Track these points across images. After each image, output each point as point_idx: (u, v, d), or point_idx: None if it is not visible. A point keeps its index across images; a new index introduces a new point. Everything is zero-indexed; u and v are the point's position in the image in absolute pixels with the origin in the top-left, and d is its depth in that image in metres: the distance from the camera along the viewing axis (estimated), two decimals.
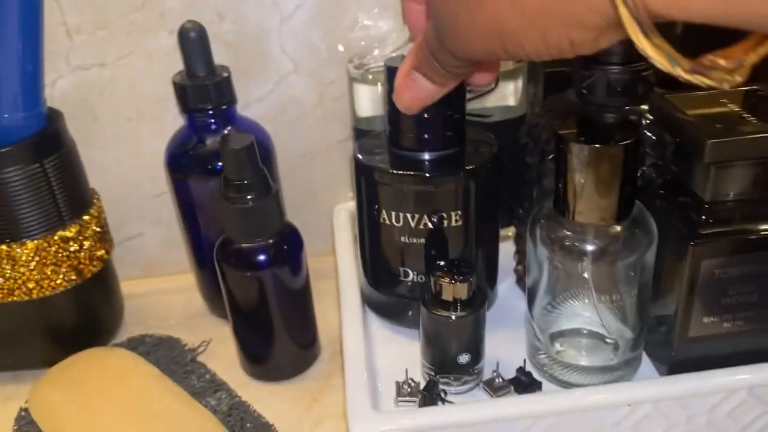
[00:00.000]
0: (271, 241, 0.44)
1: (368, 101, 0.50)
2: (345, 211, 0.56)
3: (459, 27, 0.28)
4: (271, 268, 0.45)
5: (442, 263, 0.40)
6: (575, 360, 0.41)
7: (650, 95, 0.41)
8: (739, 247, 0.36)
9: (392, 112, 0.41)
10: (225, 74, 0.48)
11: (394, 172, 0.41)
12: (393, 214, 0.42)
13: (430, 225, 0.42)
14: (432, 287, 0.40)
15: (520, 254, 0.49)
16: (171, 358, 0.50)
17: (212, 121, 0.49)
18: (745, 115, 0.35)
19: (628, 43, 0.39)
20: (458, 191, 0.41)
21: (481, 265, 0.45)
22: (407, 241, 0.43)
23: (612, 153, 0.34)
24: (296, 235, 0.46)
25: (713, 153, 0.33)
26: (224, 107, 0.49)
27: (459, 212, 0.41)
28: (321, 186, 0.59)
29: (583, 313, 0.41)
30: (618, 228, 0.37)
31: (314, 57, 0.53)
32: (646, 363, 0.43)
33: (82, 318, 0.51)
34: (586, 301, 0.40)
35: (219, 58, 0.51)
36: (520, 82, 0.49)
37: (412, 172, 0.41)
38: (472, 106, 0.48)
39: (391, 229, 0.43)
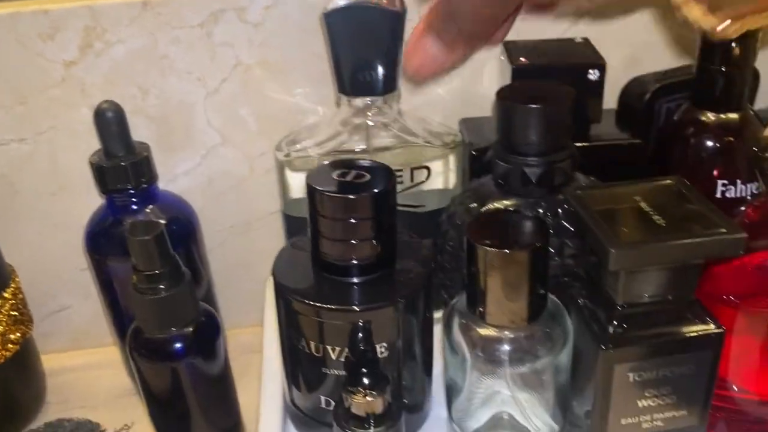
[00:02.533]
0: (185, 330, 0.43)
1: (298, 184, 0.48)
2: None
3: None
4: (185, 357, 0.43)
5: (349, 376, 0.38)
6: None
7: (569, 184, 0.40)
8: (653, 351, 0.35)
9: (315, 232, 0.39)
10: (144, 153, 0.47)
11: (315, 304, 0.38)
12: (312, 344, 0.39)
13: (351, 358, 0.39)
14: (344, 401, 0.38)
15: None
16: None
17: (133, 200, 0.48)
18: (655, 217, 0.34)
19: (544, 137, 0.39)
20: (392, 322, 0.39)
21: (413, 383, 0.43)
22: (329, 372, 0.40)
23: (519, 257, 0.33)
24: (213, 320, 0.45)
25: (617, 262, 0.32)
26: (145, 186, 0.47)
27: (385, 344, 0.39)
28: (255, 256, 0.57)
29: (503, 408, 0.40)
30: (530, 328, 0.36)
31: (242, 130, 0.52)
32: None
33: None
34: (506, 397, 0.38)
35: (143, 132, 0.51)
36: (452, 163, 0.48)
37: (335, 306, 0.38)
38: (403, 197, 0.47)
39: (311, 357, 0.40)
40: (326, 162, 0.40)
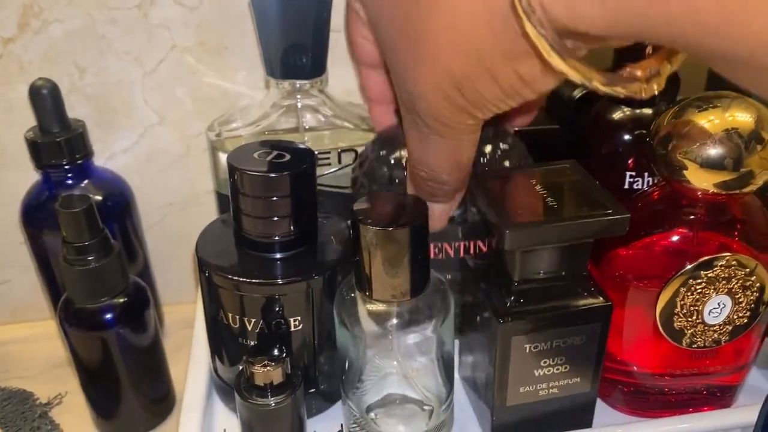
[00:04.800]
0: (114, 300, 0.45)
1: None
2: None
3: (422, 91, 0.28)
4: (114, 327, 0.45)
5: (253, 347, 0.41)
6: (393, 428, 0.42)
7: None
8: (547, 324, 0.38)
9: (236, 209, 0.41)
10: (79, 129, 0.48)
11: (236, 279, 0.40)
12: (231, 316, 0.41)
13: (266, 330, 0.41)
14: (245, 372, 0.40)
15: None
16: (20, 413, 0.49)
17: (68, 175, 0.49)
18: (548, 199, 0.37)
19: None
20: (307, 297, 0.41)
21: (329, 364, 0.44)
22: (246, 343, 0.42)
23: (398, 235, 0.35)
24: (142, 293, 0.47)
25: (512, 242, 0.35)
26: (80, 161, 0.49)
27: (299, 317, 0.41)
28: (194, 233, 0.58)
29: (394, 382, 0.42)
30: (414, 302, 0.38)
31: (179, 110, 0.53)
32: (475, 425, 0.44)
33: None
34: (395, 370, 0.41)
35: (81, 110, 0.52)
36: None
37: (252, 280, 0.40)
38: (331, 178, 0.49)
39: (230, 329, 0.42)
40: (248, 142, 0.42)
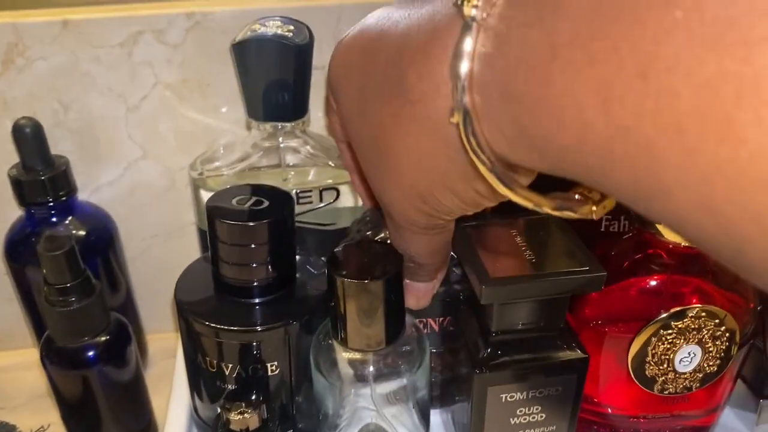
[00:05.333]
0: (95, 339, 0.45)
1: None
2: None
3: (390, 197, 0.29)
4: (96, 366, 0.45)
5: (230, 392, 0.41)
6: None
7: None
8: (524, 375, 0.38)
9: (214, 255, 0.41)
10: (63, 167, 0.49)
11: (215, 326, 0.40)
12: (209, 360, 0.42)
13: (244, 375, 0.41)
14: (222, 417, 0.40)
15: None
16: None
17: (52, 212, 0.49)
18: (526, 252, 0.37)
19: None
20: (285, 342, 0.41)
21: (307, 404, 0.44)
22: (225, 387, 0.42)
23: (372, 287, 0.36)
24: (124, 330, 0.47)
25: (487, 297, 0.35)
26: (63, 198, 0.49)
27: (276, 362, 0.41)
28: (177, 264, 0.59)
29: (371, 425, 0.43)
30: (390, 350, 0.39)
31: (163, 145, 0.54)
32: None
33: None
34: (372, 414, 0.41)
35: (65, 144, 0.52)
36: None
37: (231, 327, 0.40)
38: (314, 216, 0.49)
39: (208, 372, 0.42)
40: (227, 187, 0.42)
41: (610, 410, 0.44)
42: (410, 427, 0.43)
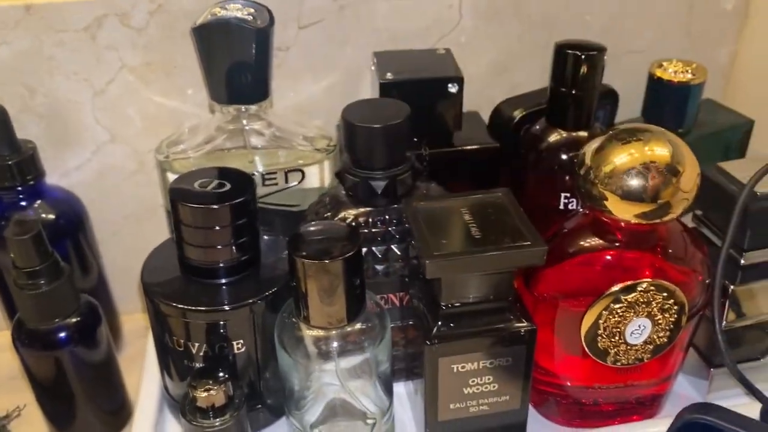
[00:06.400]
0: (66, 320, 0.46)
1: None
2: None
3: None
4: (67, 347, 0.46)
5: (198, 370, 0.42)
6: None
7: (411, 193, 0.44)
8: (473, 346, 0.40)
9: (178, 237, 0.42)
10: (30, 151, 0.49)
11: (181, 306, 0.41)
12: (176, 339, 0.43)
13: (211, 353, 0.43)
14: (189, 395, 0.41)
15: None
16: None
17: (20, 197, 0.50)
18: (473, 229, 0.39)
19: (385, 153, 0.43)
20: (250, 321, 0.42)
21: (274, 380, 0.45)
22: (192, 365, 0.43)
23: (330, 267, 0.37)
24: (94, 311, 0.48)
25: (431, 271, 0.37)
26: (31, 183, 0.50)
27: (242, 340, 0.43)
28: (148, 244, 0.60)
29: (335, 396, 0.44)
30: (351, 326, 0.40)
31: (130, 128, 0.54)
32: None
33: None
34: (337, 389, 0.43)
35: (33, 129, 0.53)
36: (327, 166, 0.51)
37: (201, 309, 0.41)
38: (279, 197, 0.50)
39: (176, 351, 0.44)
40: (191, 170, 0.43)
41: (568, 382, 0.46)
42: (374, 399, 0.44)
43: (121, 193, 0.57)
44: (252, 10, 0.45)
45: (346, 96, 0.55)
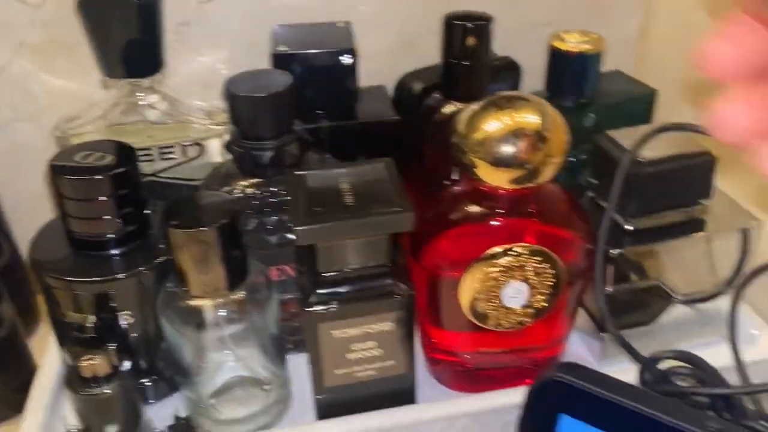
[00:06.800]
0: None
1: None
2: None
3: None
4: None
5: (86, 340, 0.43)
6: (233, 411, 0.45)
7: (300, 164, 0.45)
8: (352, 312, 0.41)
9: (61, 211, 0.42)
10: None
11: (68, 279, 0.42)
12: (66, 312, 0.43)
13: (101, 324, 0.43)
14: (73, 365, 0.42)
15: None
16: None
17: None
18: (347, 197, 0.39)
19: (269, 124, 0.43)
20: (139, 291, 0.43)
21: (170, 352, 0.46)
22: (83, 336, 0.44)
23: (203, 236, 0.37)
24: None
25: (300, 237, 0.37)
26: None
27: (130, 311, 0.43)
28: None
29: (230, 368, 0.45)
30: (235, 294, 0.41)
31: (34, 106, 0.54)
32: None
33: None
34: (229, 358, 0.43)
35: None
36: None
37: (87, 280, 0.42)
38: (178, 171, 0.51)
39: (67, 324, 0.44)
40: (72, 144, 0.44)
41: (458, 350, 0.47)
42: (267, 366, 0.45)
43: (30, 172, 0.57)
44: None
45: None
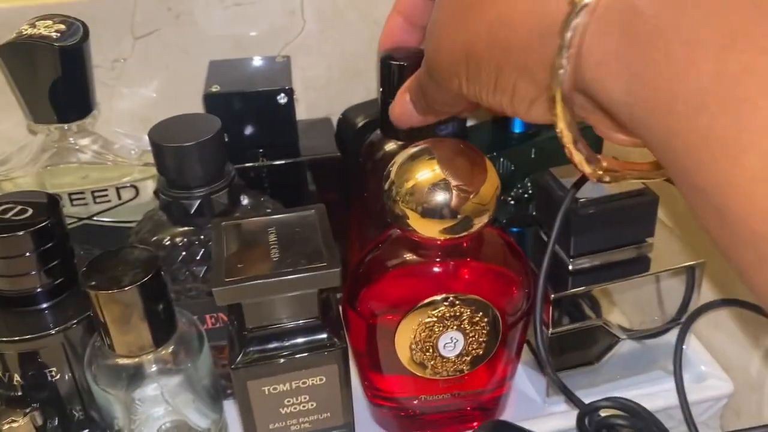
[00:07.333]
0: None
1: None
2: None
3: (439, 42, 0.29)
4: None
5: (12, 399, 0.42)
6: None
7: (232, 211, 0.44)
8: (281, 368, 0.40)
9: None
10: None
11: None
12: None
13: (27, 382, 0.42)
14: None
15: None
16: None
17: None
18: (273, 251, 0.38)
19: (195, 172, 0.42)
20: (64, 347, 0.41)
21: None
22: (12, 394, 0.42)
23: (124, 297, 0.36)
24: None
25: (221, 298, 0.36)
26: None
27: (54, 368, 0.42)
28: None
29: (166, 418, 0.44)
30: (163, 350, 0.40)
31: None
32: None
33: None
34: (162, 411, 0.42)
35: None
36: None
37: (8, 339, 0.40)
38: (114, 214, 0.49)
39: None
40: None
41: (399, 396, 0.46)
42: (205, 411, 0.44)
43: None
44: (63, 27, 0.44)
45: (188, 106, 0.53)
